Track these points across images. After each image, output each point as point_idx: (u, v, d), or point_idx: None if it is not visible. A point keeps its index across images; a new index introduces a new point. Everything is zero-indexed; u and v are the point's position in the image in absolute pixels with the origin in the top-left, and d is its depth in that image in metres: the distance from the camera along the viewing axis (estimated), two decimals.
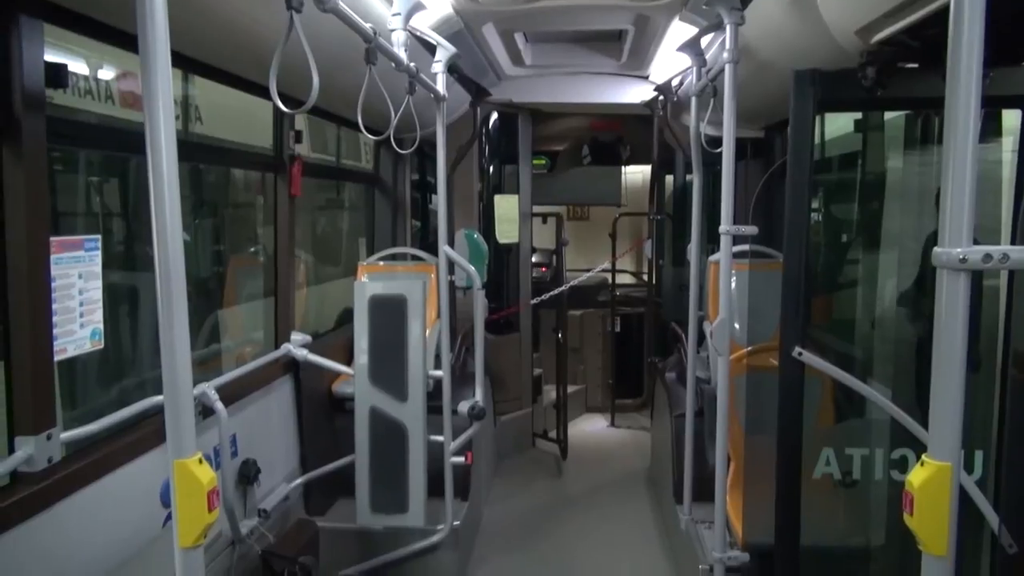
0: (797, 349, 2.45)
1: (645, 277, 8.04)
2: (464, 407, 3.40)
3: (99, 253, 2.30)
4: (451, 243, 4.65)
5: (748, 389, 3.40)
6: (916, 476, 1.19)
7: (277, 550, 3.24)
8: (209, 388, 2.73)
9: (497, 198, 5.49)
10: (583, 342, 6.93)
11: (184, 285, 1.23)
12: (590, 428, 6.55)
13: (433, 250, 4.53)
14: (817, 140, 3.85)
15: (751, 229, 2.60)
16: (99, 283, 2.31)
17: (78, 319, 2.22)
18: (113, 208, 3.66)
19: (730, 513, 3.22)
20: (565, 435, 5.57)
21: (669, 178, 6.80)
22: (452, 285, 4.83)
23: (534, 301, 5.67)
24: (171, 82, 1.25)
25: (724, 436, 2.77)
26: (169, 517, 2.60)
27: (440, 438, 3.51)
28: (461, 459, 3.48)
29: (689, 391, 3.58)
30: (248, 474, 3.10)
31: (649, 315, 6.43)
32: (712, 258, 4.35)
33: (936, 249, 1.21)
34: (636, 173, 8.79)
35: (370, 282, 3.41)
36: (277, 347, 3.61)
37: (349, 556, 3.66)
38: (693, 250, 3.59)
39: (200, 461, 1.23)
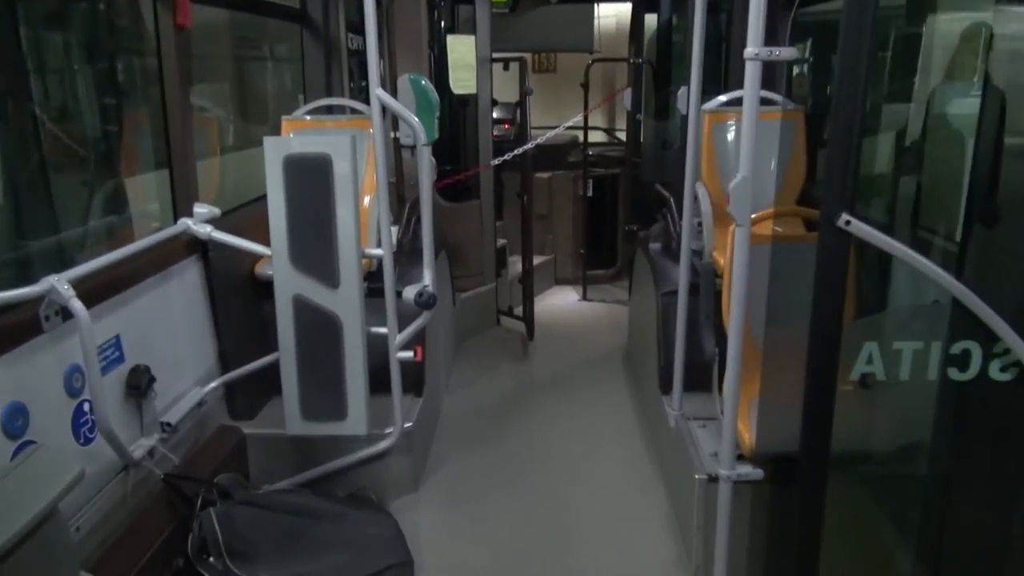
0: (844, 216, 1.83)
1: (619, 135, 7.32)
2: (410, 293, 2.76)
3: None
4: (392, 92, 3.88)
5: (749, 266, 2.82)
6: None
7: (186, 470, 2.68)
8: (60, 282, 2.05)
9: (450, 39, 4.64)
10: (552, 208, 6.26)
11: None
12: (560, 302, 6.01)
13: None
14: None
15: (789, 52, 1.90)
16: None
17: None
18: None
19: None
20: (531, 313, 5.00)
21: (652, 20, 5.96)
22: (397, 143, 4.10)
23: (495, 162, 4.94)
24: None
25: (740, 325, 2.19)
26: (19, 450, 1.99)
27: (383, 330, 2.90)
28: (409, 355, 2.89)
29: (683, 266, 2.98)
30: (138, 384, 2.47)
31: (625, 177, 5.76)
32: (707, 106, 3.67)
33: None
34: (609, 17, 7.86)
35: (284, 139, 2.67)
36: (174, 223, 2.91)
37: (284, 465, 3.13)
38: (692, 96, 2.88)
39: None
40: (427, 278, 2.80)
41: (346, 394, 2.81)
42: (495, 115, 5.49)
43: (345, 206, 2.66)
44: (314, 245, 2.68)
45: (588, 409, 4.06)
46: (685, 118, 3.70)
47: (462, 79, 4.70)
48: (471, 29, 4.94)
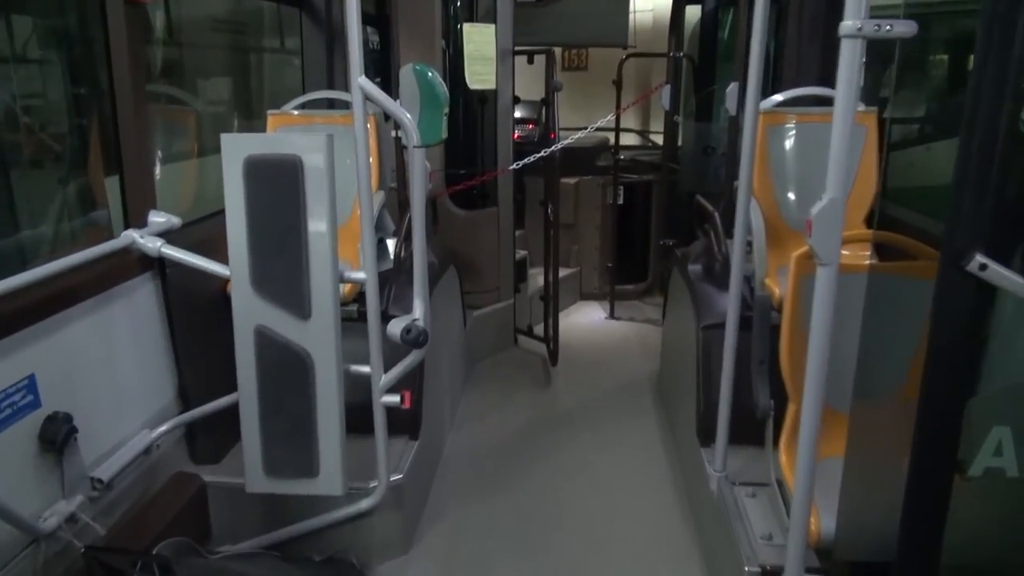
0: (979, 259, 1.30)
1: (653, 137, 6.78)
2: (396, 328, 2.27)
3: None
4: (386, 83, 3.42)
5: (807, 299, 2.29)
6: None
7: (127, 532, 2.21)
8: None
9: (467, 27, 4.14)
10: (578, 217, 5.74)
11: None
12: (585, 320, 5.49)
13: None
14: None
15: (906, 26, 1.36)
16: None
17: None
18: None
19: (788, 484, 2.18)
20: (556, 336, 4.48)
21: (693, 12, 5.43)
22: (398, 143, 3.61)
23: (513, 166, 4.43)
24: None
25: (819, 390, 1.66)
26: None
27: (365, 370, 2.41)
28: (395, 400, 2.39)
29: (732, 298, 2.45)
30: (53, 438, 2.00)
31: (660, 185, 5.20)
32: (762, 105, 3.13)
33: None
34: (645, 11, 7.31)
35: (246, 137, 2.19)
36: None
37: (252, 520, 2.65)
38: (749, 93, 2.34)
39: None
40: (417, 310, 2.30)
41: (318, 446, 2.32)
42: (517, 114, 4.99)
43: (319, 220, 2.17)
44: (280, 267, 2.20)
45: (614, 453, 3.53)
46: (733, 119, 3.18)
47: (479, 73, 4.20)
48: (492, 20, 4.44)
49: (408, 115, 2.28)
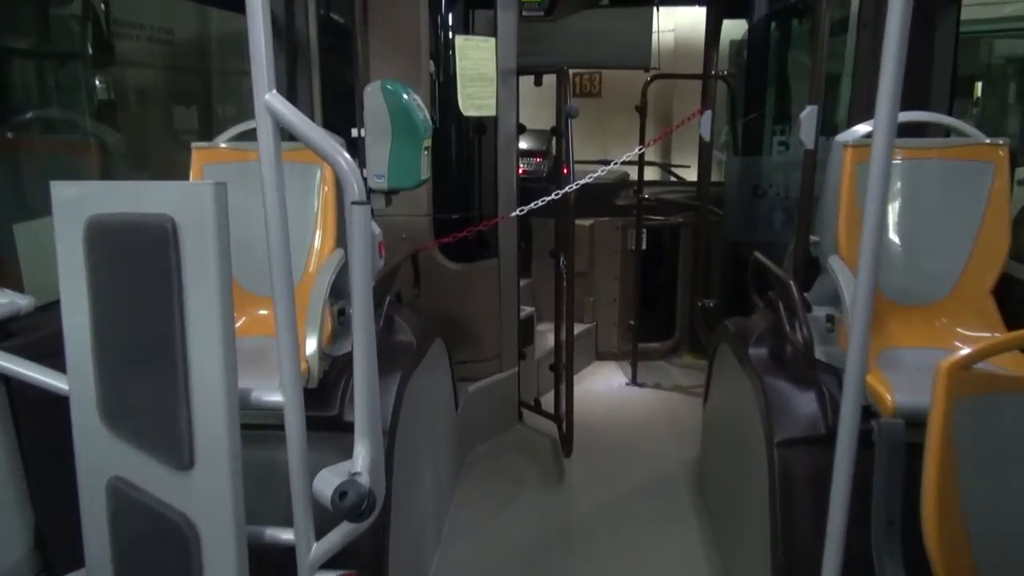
0: None
1: (677, 171, 5.99)
2: (326, 486, 1.44)
3: None
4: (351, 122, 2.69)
5: (979, 431, 1.51)
6: None
7: None
8: None
9: (460, 41, 3.38)
10: (593, 264, 4.95)
11: None
12: (603, 387, 4.66)
13: (341, 128, 2.57)
14: None
15: None
16: None
17: None
18: None
19: None
20: (569, 419, 3.63)
21: (731, 28, 4.68)
22: (366, 185, 2.83)
23: (518, 211, 3.63)
24: None
25: None
26: None
27: (287, 536, 1.58)
28: None
29: (847, 420, 1.62)
30: None
31: (700, 231, 4.38)
32: (844, 137, 2.36)
33: None
34: (666, 32, 6.57)
35: (89, 187, 1.40)
36: None
37: None
38: (879, 119, 1.53)
39: None
40: (359, 462, 1.47)
41: None
42: (522, 145, 4.22)
43: (206, 316, 1.37)
44: (145, 389, 1.39)
45: None
46: (809, 153, 2.41)
47: (476, 96, 3.43)
48: (491, 34, 3.67)
49: (344, 154, 1.49)
